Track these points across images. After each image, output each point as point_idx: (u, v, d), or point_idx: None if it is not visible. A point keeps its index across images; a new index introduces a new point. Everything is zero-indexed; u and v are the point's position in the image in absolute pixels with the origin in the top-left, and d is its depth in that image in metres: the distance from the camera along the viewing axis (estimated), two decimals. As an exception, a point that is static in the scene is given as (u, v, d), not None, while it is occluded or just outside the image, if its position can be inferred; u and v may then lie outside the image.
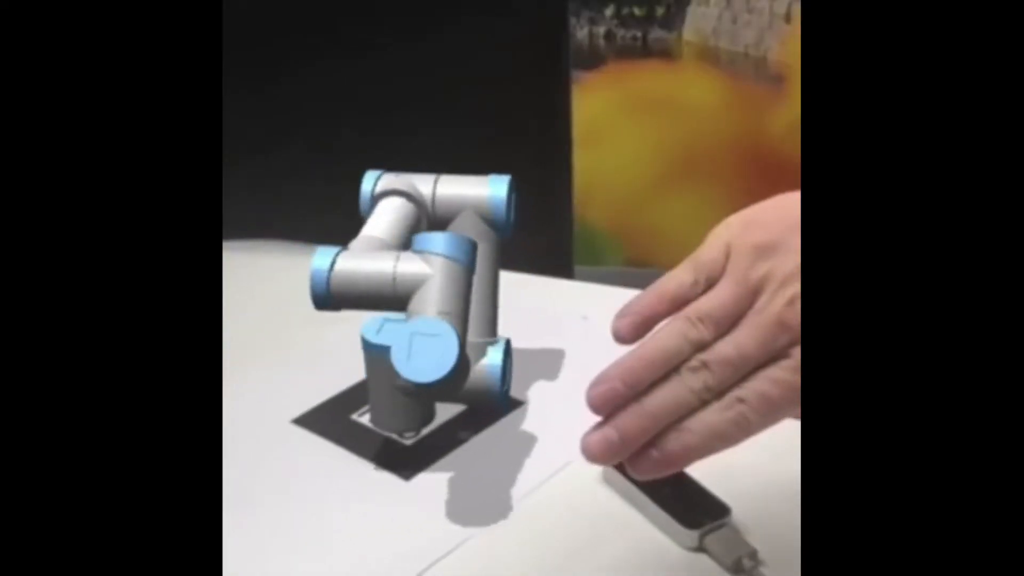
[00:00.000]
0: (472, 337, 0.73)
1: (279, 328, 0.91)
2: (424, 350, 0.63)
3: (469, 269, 0.70)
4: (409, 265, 0.69)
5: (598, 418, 0.52)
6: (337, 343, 0.83)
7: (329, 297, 0.70)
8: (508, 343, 0.71)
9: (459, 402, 0.74)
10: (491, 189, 0.76)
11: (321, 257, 0.70)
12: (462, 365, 0.66)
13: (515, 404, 0.79)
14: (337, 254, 0.70)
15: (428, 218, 0.76)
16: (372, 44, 1.66)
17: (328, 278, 0.69)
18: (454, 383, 0.66)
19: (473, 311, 0.73)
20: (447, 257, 0.69)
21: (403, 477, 0.73)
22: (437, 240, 0.69)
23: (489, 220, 0.76)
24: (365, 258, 0.70)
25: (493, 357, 0.69)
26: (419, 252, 0.69)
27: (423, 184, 0.76)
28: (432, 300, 0.67)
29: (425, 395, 0.66)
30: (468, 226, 0.76)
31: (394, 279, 0.68)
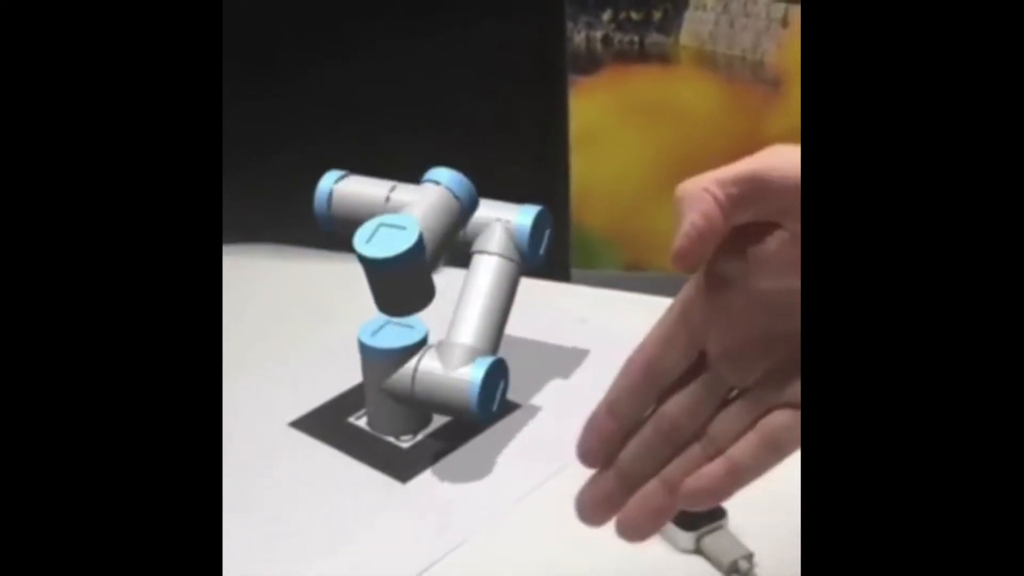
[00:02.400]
0: (469, 340, 0.73)
1: (276, 332, 0.91)
2: (386, 236, 0.66)
3: (461, 205, 0.72)
4: (404, 192, 0.73)
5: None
6: (334, 346, 0.83)
7: (329, 216, 0.75)
8: (502, 362, 0.71)
9: (437, 405, 0.73)
10: (518, 217, 0.77)
11: (327, 179, 0.76)
12: (423, 269, 0.68)
13: (512, 407, 0.79)
14: (342, 176, 0.76)
15: (463, 223, 0.76)
16: (369, 48, 1.66)
17: (329, 197, 0.75)
18: (409, 278, 0.68)
19: (479, 319, 0.74)
20: (443, 187, 0.71)
21: (400, 480, 0.73)
22: (441, 173, 0.72)
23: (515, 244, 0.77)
24: (367, 183, 0.75)
25: (475, 373, 0.69)
26: (421, 183, 0.72)
27: None
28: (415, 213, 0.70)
29: (379, 285, 0.67)
30: (497, 238, 0.76)
31: (387, 201, 0.72)
